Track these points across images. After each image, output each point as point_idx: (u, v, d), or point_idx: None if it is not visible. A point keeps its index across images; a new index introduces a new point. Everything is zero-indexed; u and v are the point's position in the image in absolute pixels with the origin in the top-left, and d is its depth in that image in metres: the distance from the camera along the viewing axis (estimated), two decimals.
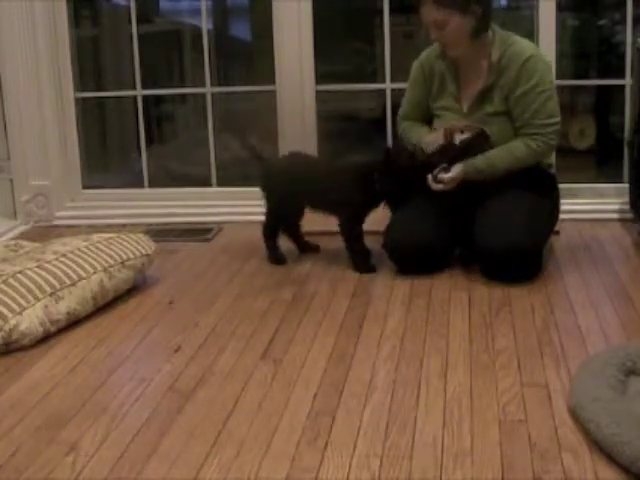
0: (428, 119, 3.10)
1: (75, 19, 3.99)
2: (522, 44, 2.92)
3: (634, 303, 2.58)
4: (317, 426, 1.87)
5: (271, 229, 3.15)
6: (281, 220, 3.17)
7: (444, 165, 2.84)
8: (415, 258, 2.91)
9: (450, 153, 2.86)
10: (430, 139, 2.94)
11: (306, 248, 3.22)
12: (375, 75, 4.33)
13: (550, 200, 3.02)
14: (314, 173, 3.09)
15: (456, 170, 2.83)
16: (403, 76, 3.21)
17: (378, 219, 3.03)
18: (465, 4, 2.81)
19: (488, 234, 2.78)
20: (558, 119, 2.89)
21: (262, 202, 3.16)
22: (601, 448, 1.71)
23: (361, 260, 2.98)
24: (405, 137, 3.12)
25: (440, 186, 2.85)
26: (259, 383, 2.11)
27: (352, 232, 2.99)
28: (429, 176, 2.85)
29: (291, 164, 3.15)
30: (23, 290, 2.46)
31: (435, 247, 2.93)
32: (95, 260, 2.70)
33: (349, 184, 2.97)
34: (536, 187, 2.93)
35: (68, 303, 2.52)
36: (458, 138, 2.87)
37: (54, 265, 2.60)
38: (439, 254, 2.97)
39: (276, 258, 3.12)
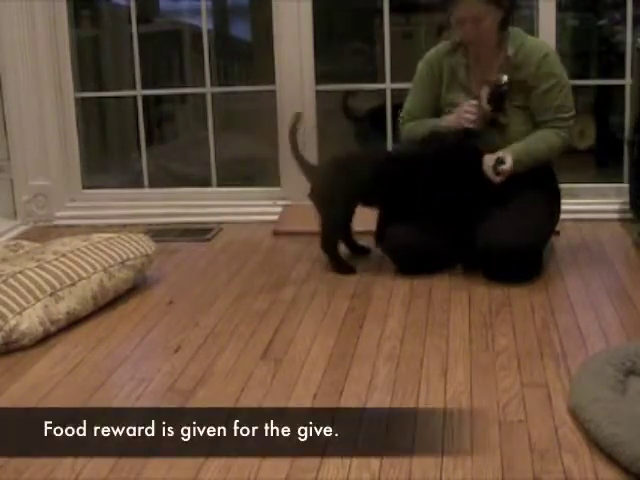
0: (430, 110, 3.07)
1: (75, 19, 3.99)
2: (537, 41, 3.01)
3: (634, 303, 2.58)
4: None
5: (336, 237, 3.01)
6: (345, 225, 3.04)
7: (500, 157, 2.82)
8: (415, 259, 2.91)
9: (500, 96, 2.87)
10: (452, 118, 2.93)
11: (358, 249, 3.12)
12: (375, 75, 4.33)
13: (551, 200, 3.01)
14: (373, 169, 2.94)
15: (509, 160, 2.82)
16: (403, 76, 3.21)
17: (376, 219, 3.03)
18: None
19: (489, 234, 2.78)
20: (575, 112, 2.97)
21: (264, 203, 3.12)
22: (601, 448, 1.71)
23: None
24: (412, 135, 3.06)
25: (500, 178, 2.83)
26: (259, 383, 2.11)
27: None
28: (489, 169, 2.82)
29: (348, 164, 3.00)
30: (23, 290, 2.46)
31: (435, 247, 2.92)
32: (95, 260, 2.70)
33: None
34: (537, 187, 2.93)
35: (68, 303, 2.52)
36: (498, 81, 2.87)
37: (54, 265, 2.60)
38: (439, 254, 2.96)
39: (349, 267, 2.97)
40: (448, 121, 2.94)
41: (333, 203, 2.96)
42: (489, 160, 2.82)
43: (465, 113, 2.89)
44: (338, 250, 3.00)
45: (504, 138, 2.91)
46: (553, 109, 2.91)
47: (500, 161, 2.81)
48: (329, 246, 2.99)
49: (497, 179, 2.82)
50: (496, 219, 2.81)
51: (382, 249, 2.99)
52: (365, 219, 3.04)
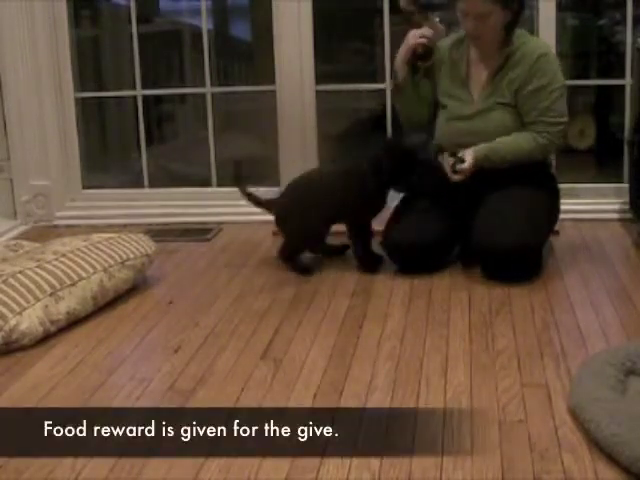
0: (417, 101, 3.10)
1: (75, 19, 3.99)
2: (537, 42, 3.00)
3: (634, 303, 2.58)
4: None
5: (297, 253, 3.05)
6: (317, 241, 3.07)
7: (459, 156, 2.84)
8: (415, 257, 2.91)
9: None
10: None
11: (334, 251, 3.13)
12: (375, 75, 4.33)
13: (549, 199, 3.01)
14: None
15: (469, 159, 2.84)
16: None
17: (377, 218, 3.03)
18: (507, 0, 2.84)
19: (487, 233, 2.78)
20: (566, 119, 2.93)
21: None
22: (601, 448, 1.71)
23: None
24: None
25: (459, 177, 2.85)
26: (259, 383, 2.11)
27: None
28: (447, 167, 2.86)
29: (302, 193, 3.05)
30: (23, 290, 2.46)
31: (435, 246, 2.93)
32: (95, 260, 2.70)
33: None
34: (535, 186, 2.94)
35: (68, 303, 2.52)
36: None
37: (54, 265, 2.60)
38: (439, 253, 2.97)
39: (305, 267, 3.01)
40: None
41: (298, 222, 2.99)
42: (448, 159, 2.85)
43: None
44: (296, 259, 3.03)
45: (485, 135, 2.91)
46: (538, 110, 2.88)
47: (460, 160, 2.83)
48: (286, 258, 3.03)
49: (455, 177, 2.86)
50: (495, 218, 2.81)
51: (383, 248, 3.00)
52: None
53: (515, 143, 2.89)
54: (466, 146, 2.89)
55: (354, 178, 2.95)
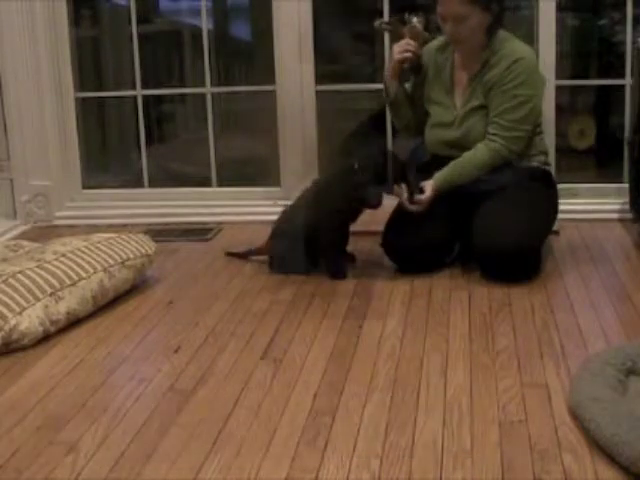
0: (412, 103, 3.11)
1: (75, 19, 3.99)
2: (518, 45, 2.93)
3: (634, 303, 2.58)
4: (317, 426, 1.87)
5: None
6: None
7: (420, 185, 2.85)
8: (414, 257, 2.91)
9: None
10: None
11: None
12: (375, 75, 4.33)
13: (548, 199, 3.02)
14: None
15: (429, 189, 2.84)
16: None
17: (377, 219, 3.03)
18: (487, 1, 2.82)
19: (486, 234, 2.78)
20: (526, 127, 2.88)
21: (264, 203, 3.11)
22: (601, 448, 1.71)
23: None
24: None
25: (415, 207, 2.86)
26: (259, 383, 2.11)
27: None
28: (405, 199, 2.85)
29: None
30: (23, 290, 2.46)
31: (434, 246, 2.93)
32: (95, 260, 2.70)
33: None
34: (533, 186, 2.94)
35: (68, 303, 2.52)
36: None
37: (54, 265, 2.60)
38: (438, 254, 2.97)
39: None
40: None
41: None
42: (404, 190, 2.83)
43: None
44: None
45: (466, 141, 2.92)
46: (498, 111, 2.86)
47: (419, 190, 2.84)
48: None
49: (412, 208, 2.85)
50: (494, 219, 2.81)
51: (383, 249, 3.00)
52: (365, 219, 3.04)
53: (472, 158, 2.89)
54: (450, 157, 2.91)
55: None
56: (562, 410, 1.89)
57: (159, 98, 4.65)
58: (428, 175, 3.04)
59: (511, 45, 2.91)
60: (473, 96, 2.94)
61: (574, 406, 1.87)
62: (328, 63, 4.17)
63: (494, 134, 2.88)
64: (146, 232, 3.25)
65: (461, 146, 2.93)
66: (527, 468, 1.67)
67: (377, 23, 3.10)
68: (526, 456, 1.71)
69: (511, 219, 2.80)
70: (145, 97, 3.97)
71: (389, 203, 3.05)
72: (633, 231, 3.32)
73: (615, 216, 3.55)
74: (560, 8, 3.64)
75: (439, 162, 2.99)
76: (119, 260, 2.76)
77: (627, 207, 3.47)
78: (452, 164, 2.90)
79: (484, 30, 2.87)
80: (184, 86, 4.87)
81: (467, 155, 2.90)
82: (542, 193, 2.97)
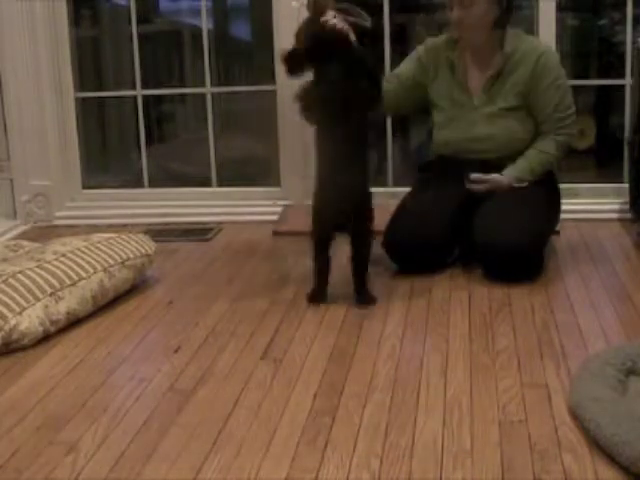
0: (403, 95, 3.08)
1: (75, 19, 3.99)
2: (534, 41, 3.01)
3: (634, 303, 2.58)
4: (317, 426, 1.87)
5: None
6: None
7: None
8: (415, 257, 2.91)
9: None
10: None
11: None
12: None
13: (551, 199, 3.02)
14: None
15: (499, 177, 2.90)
16: None
17: (378, 219, 3.03)
18: None
19: (488, 233, 2.78)
20: (574, 109, 2.98)
21: (264, 203, 3.09)
22: (601, 448, 1.71)
23: None
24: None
25: (478, 187, 2.90)
26: (259, 383, 2.11)
27: None
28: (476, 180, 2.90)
29: None
30: (23, 290, 2.46)
31: (435, 246, 2.93)
32: (95, 260, 2.70)
33: None
34: (537, 185, 2.94)
35: (68, 303, 2.52)
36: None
37: (54, 265, 2.60)
38: (439, 253, 2.97)
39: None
40: None
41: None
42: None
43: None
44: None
45: (492, 142, 2.93)
46: (551, 108, 2.92)
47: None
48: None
49: (474, 187, 2.90)
50: (496, 218, 2.82)
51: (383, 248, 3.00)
52: None
53: (540, 153, 2.93)
54: (472, 152, 2.91)
55: None
56: (562, 410, 1.89)
57: (159, 98, 4.65)
58: (431, 175, 3.05)
59: (526, 42, 2.94)
60: (499, 97, 2.94)
61: (574, 406, 1.87)
62: None
63: (558, 127, 2.93)
64: (146, 232, 3.25)
65: (484, 146, 2.94)
66: (527, 468, 1.67)
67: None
68: (526, 456, 1.71)
69: (513, 218, 2.81)
70: (145, 97, 3.97)
71: (389, 203, 3.06)
72: (633, 231, 3.32)
73: (615, 216, 3.55)
74: (560, 8, 3.64)
75: (445, 162, 3.00)
76: (119, 260, 2.76)
77: (627, 207, 3.47)
78: (519, 161, 2.92)
79: (490, 23, 2.88)
80: (184, 86, 4.87)
81: (533, 151, 2.93)
82: (545, 193, 2.97)
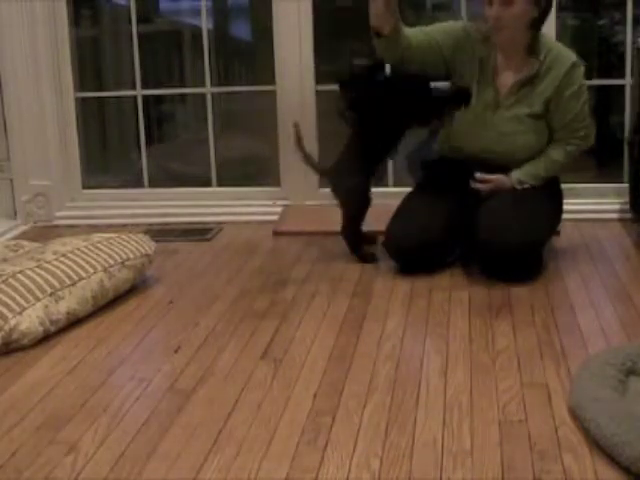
0: (415, 46, 2.92)
1: (75, 19, 3.99)
2: (565, 49, 2.95)
3: (634, 303, 2.58)
4: (317, 426, 1.87)
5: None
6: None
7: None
8: (416, 257, 2.91)
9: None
10: None
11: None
12: None
13: (552, 199, 3.02)
14: None
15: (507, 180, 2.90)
16: None
17: (379, 219, 3.03)
18: None
19: (489, 233, 2.78)
20: (589, 120, 2.97)
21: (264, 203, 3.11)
22: (601, 448, 1.71)
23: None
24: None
25: (482, 186, 2.90)
26: (259, 383, 2.11)
27: None
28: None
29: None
30: (23, 290, 2.46)
31: (436, 246, 2.93)
32: (95, 260, 2.70)
33: None
34: (539, 186, 2.94)
35: (68, 303, 2.52)
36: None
37: (54, 265, 2.60)
38: (440, 253, 2.97)
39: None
40: None
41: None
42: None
43: None
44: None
45: (512, 147, 2.92)
46: (569, 118, 2.91)
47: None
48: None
49: (478, 186, 2.89)
50: (496, 218, 2.81)
51: (384, 248, 3.00)
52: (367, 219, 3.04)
53: (549, 161, 2.95)
54: (484, 158, 2.90)
55: None
56: (562, 410, 1.89)
57: (159, 98, 4.65)
58: (433, 174, 3.04)
59: (556, 48, 2.92)
60: (526, 102, 2.91)
61: (574, 406, 1.87)
62: (328, 63, 4.16)
63: (571, 138, 2.94)
64: (146, 232, 3.25)
65: (497, 155, 2.93)
66: (527, 468, 1.67)
67: None
68: (526, 456, 1.71)
69: (514, 218, 2.80)
70: (145, 97, 3.97)
71: (390, 203, 3.06)
72: (633, 231, 3.32)
73: (615, 216, 3.55)
74: (560, 8, 3.64)
75: (449, 163, 3.00)
76: (119, 260, 2.76)
77: (627, 207, 3.47)
78: (530, 167, 2.93)
79: (527, 24, 2.85)
80: (184, 86, 4.87)
81: (544, 157, 2.94)
82: (546, 193, 2.97)
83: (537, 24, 2.88)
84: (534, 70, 2.88)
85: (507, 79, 2.94)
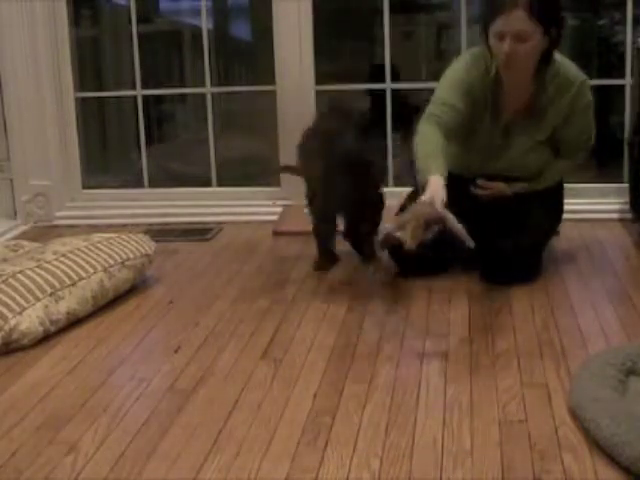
0: (454, 127, 2.77)
1: (75, 19, 3.99)
2: (569, 69, 2.83)
3: (634, 303, 2.58)
4: (317, 426, 1.87)
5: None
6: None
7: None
8: (415, 257, 2.91)
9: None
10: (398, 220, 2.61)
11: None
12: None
13: (553, 200, 3.01)
14: None
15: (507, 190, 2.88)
16: (403, 76, 3.20)
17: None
18: (549, 23, 2.67)
19: (489, 234, 2.77)
20: (595, 131, 2.95)
21: (264, 203, 3.12)
22: (601, 448, 1.71)
23: None
24: (415, 153, 2.71)
25: (482, 192, 2.87)
26: (259, 383, 2.11)
27: None
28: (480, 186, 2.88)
29: None
30: (23, 290, 2.46)
31: (436, 246, 2.92)
32: (95, 260, 2.70)
33: None
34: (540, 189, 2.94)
35: (68, 303, 2.52)
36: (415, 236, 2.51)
37: (54, 265, 2.60)
38: (440, 253, 2.96)
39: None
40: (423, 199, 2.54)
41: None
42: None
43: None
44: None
45: (526, 169, 2.91)
46: (578, 131, 2.89)
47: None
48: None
49: (478, 191, 2.86)
50: (496, 219, 2.81)
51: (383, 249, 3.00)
52: None
53: (554, 174, 2.96)
54: (497, 178, 2.88)
55: None
56: (562, 410, 1.89)
57: (159, 98, 4.66)
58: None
59: (564, 66, 2.82)
60: (536, 126, 2.86)
61: (574, 406, 1.87)
62: (328, 63, 4.17)
63: (579, 150, 2.94)
64: (146, 232, 3.25)
65: (515, 173, 2.91)
66: (527, 468, 1.67)
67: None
68: (526, 456, 1.71)
69: (514, 219, 2.80)
70: (145, 97, 3.97)
71: (390, 203, 3.05)
72: (633, 231, 3.32)
73: (615, 216, 3.55)
74: None
75: (455, 181, 2.98)
76: (119, 260, 2.76)
77: (627, 207, 3.47)
78: (534, 183, 2.92)
79: (537, 56, 2.74)
80: (184, 86, 4.88)
81: (554, 171, 2.94)
82: (547, 194, 2.97)
83: (547, 56, 2.76)
84: (541, 104, 2.83)
85: (513, 105, 2.86)
